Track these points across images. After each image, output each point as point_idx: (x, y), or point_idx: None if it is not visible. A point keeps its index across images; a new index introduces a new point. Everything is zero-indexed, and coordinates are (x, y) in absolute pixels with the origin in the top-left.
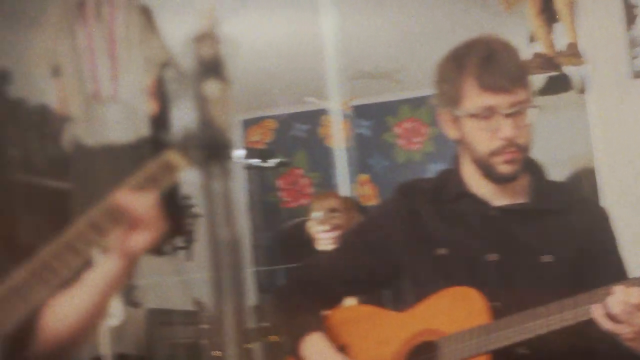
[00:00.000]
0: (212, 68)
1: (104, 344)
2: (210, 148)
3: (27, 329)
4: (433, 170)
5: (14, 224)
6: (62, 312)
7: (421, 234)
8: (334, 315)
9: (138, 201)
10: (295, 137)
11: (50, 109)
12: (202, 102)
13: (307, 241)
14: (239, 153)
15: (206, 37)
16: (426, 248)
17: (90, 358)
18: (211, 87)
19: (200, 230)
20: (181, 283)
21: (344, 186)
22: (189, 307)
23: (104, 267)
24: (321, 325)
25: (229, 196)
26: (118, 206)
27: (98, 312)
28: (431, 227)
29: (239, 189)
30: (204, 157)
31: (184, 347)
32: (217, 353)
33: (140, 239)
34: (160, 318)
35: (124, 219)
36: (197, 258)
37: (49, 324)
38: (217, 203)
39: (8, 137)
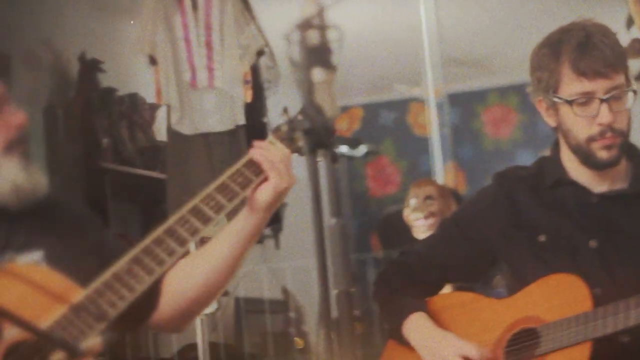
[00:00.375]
0: (319, 55)
1: (198, 332)
2: (316, 134)
3: (150, 294)
4: (521, 158)
5: (106, 212)
6: (193, 270)
7: (520, 221)
8: (434, 302)
9: (272, 152)
10: (383, 126)
11: (140, 98)
12: (308, 89)
13: (403, 229)
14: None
15: (312, 24)
16: (526, 235)
17: (184, 345)
18: (318, 74)
19: (287, 218)
20: (270, 271)
21: (434, 174)
22: (278, 295)
23: (238, 223)
24: (423, 306)
25: (334, 183)
26: (250, 157)
27: (231, 269)
28: (530, 214)
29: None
30: (310, 144)
31: (272, 335)
32: (299, 341)
33: (268, 188)
34: (249, 306)
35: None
36: (285, 246)
37: (177, 284)
38: (321, 190)
39: (99, 126)
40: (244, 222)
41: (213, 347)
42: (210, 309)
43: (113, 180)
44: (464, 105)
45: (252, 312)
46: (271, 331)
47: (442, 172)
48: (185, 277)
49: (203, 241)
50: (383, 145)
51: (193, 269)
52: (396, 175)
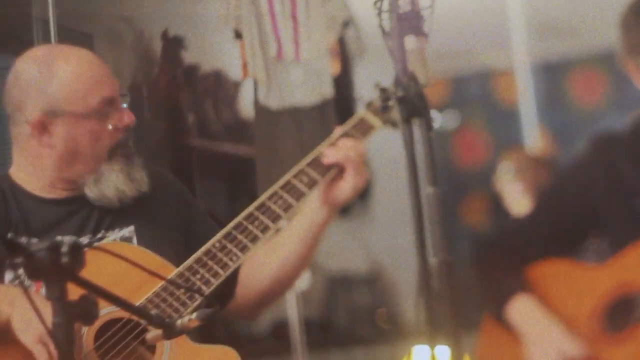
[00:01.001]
0: (410, 22)
1: (291, 308)
2: (410, 103)
3: (227, 283)
4: (611, 122)
5: (195, 190)
6: (265, 262)
7: (619, 184)
8: (532, 271)
9: (344, 147)
10: (471, 96)
11: (225, 74)
12: (401, 57)
13: (494, 199)
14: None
15: None
16: (624, 198)
17: (276, 322)
18: (410, 42)
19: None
20: (360, 246)
21: (524, 143)
22: (368, 270)
23: (309, 217)
24: (526, 286)
25: (431, 152)
26: (319, 158)
27: (303, 261)
28: (629, 176)
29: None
30: (404, 113)
31: (363, 311)
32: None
33: (346, 187)
34: (340, 282)
35: (325, 170)
36: (375, 220)
37: (250, 275)
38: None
39: (184, 103)
40: (315, 216)
41: (307, 323)
42: (303, 285)
43: (199, 157)
44: (551, 72)
45: (343, 288)
46: (363, 305)
47: (533, 140)
48: (258, 268)
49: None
50: (471, 116)
51: (265, 261)
52: (485, 146)
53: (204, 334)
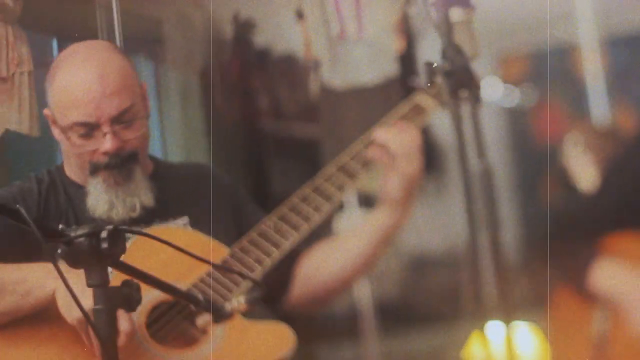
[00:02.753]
0: None
1: (362, 291)
2: (456, 76)
3: (284, 276)
4: None
5: (267, 173)
6: (324, 265)
7: None
8: (607, 244)
9: (395, 138)
10: (548, 73)
11: (296, 56)
12: (446, 30)
13: (563, 174)
14: (494, 92)
15: None
16: None
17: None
18: (456, 14)
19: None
20: (437, 224)
21: (600, 117)
22: (446, 250)
23: (376, 219)
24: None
25: (479, 127)
26: (373, 144)
27: (368, 262)
28: None
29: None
30: (451, 86)
31: (441, 292)
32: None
33: (402, 181)
34: (417, 262)
35: (377, 159)
36: (452, 197)
37: (307, 276)
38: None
39: (256, 86)
40: (381, 219)
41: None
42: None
43: (272, 140)
44: (626, 46)
45: (419, 269)
46: (440, 287)
47: (608, 115)
48: (321, 264)
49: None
50: (547, 91)
51: (329, 258)
52: (563, 121)
53: (269, 310)
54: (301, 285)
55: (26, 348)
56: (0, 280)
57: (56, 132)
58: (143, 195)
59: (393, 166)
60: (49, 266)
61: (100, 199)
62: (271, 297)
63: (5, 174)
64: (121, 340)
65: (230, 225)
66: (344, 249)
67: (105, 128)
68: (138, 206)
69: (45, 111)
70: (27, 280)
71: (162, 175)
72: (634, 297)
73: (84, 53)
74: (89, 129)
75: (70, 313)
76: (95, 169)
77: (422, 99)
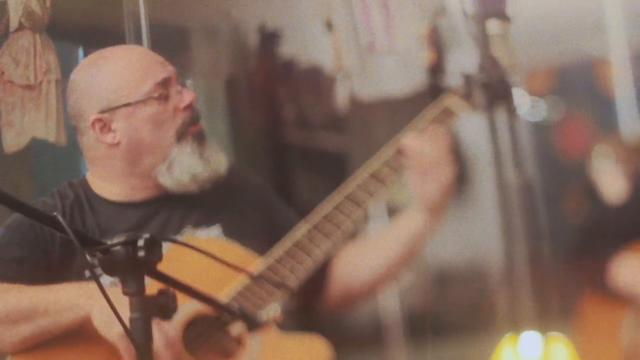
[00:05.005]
0: (493, 6)
1: (390, 303)
2: (493, 88)
3: (317, 278)
4: None
5: (292, 184)
6: (358, 264)
7: None
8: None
9: (427, 143)
10: (575, 86)
11: (322, 67)
12: (484, 41)
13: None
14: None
15: None
16: None
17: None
18: (493, 26)
19: (478, 177)
20: (464, 236)
21: (628, 132)
22: (473, 262)
23: (408, 221)
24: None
25: (515, 138)
26: (404, 150)
27: (398, 267)
28: None
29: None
30: (488, 98)
31: (468, 303)
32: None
33: (436, 186)
34: (444, 275)
35: (408, 165)
36: (479, 209)
37: (341, 275)
38: (504, 145)
39: (282, 97)
40: (416, 221)
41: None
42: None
43: (298, 151)
44: None
45: (444, 279)
46: (467, 301)
47: (631, 127)
48: (355, 264)
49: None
50: (574, 105)
51: (364, 258)
52: (589, 136)
53: (302, 322)
54: (336, 285)
55: None
56: (33, 303)
57: (101, 138)
58: (222, 152)
59: (426, 170)
60: (81, 285)
61: (190, 162)
62: (306, 298)
63: (31, 182)
64: (164, 353)
65: (264, 228)
66: (378, 249)
67: (176, 84)
68: (224, 162)
69: (97, 117)
70: (60, 301)
71: None
72: None
73: (112, 47)
74: (166, 87)
75: (110, 330)
76: (182, 129)
77: (452, 101)
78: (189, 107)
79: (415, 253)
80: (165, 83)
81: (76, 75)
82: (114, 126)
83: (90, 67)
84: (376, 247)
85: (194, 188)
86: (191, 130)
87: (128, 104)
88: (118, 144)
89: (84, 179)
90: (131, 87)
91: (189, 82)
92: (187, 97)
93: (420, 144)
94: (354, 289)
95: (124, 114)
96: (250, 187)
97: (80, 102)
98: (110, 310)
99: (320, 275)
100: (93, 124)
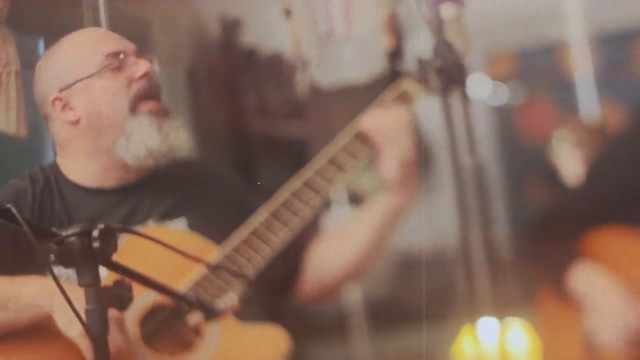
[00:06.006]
0: None
1: (351, 290)
2: (448, 72)
3: (292, 269)
4: None
5: (254, 172)
6: (330, 255)
7: None
8: (591, 240)
9: (385, 120)
10: (536, 71)
11: (283, 56)
12: (438, 26)
13: (551, 171)
14: (483, 89)
15: None
16: None
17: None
18: (447, 11)
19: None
20: (425, 222)
21: (589, 114)
22: (434, 248)
23: (376, 204)
24: (586, 254)
25: (469, 122)
26: (364, 129)
27: (371, 253)
28: None
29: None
30: (443, 82)
31: (430, 290)
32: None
33: (398, 163)
34: (405, 261)
35: (369, 145)
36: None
37: (315, 268)
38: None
39: (244, 85)
40: (383, 203)
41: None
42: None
43: (259, 139)
44: (615, 44)
45: (405, 266)
46: (431, 286)
47: (591, 110)
48: (329, 254)
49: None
50: (537, 91)
51: (337, 247)
52: (551, 119)
53: (262, 312)
54: (311, 277)
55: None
56: None
57: (62, 117)
58: (187, 132)
59: (387, 148)
60: (42, 282)
61: (146, 135)
62: (281, 290)
63: None
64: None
65: (231, 223)
66: (349, 237)
67: (133, 57)
68: (185, 139)
69: (57, 96)
70: (21, 297)
71: (163, 173)
72: (605, 303)
73: (70, 34)
74: (119, 59)
75: (70, 328)
76: (137, 100)
77: (409, 85)
78: (144, 76)
79: (387, 236)
80: (117, 55)
81: (38, 66)
82: (73, 104)
83: (48, 54)
84: (347, 235)
85: (151, 163)
86: (149, 104)
87: (81, 79)
88: (78, 120)
89: (55, 163)
90: (83, 62)
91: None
92: (143, 67)
93: (378, 121)
94: (328, 280)
95: (79, 89)
96: (220, 180)
97: (42, 88)
98: (70, 308)
99: (293, 269)
100: (53, 103)
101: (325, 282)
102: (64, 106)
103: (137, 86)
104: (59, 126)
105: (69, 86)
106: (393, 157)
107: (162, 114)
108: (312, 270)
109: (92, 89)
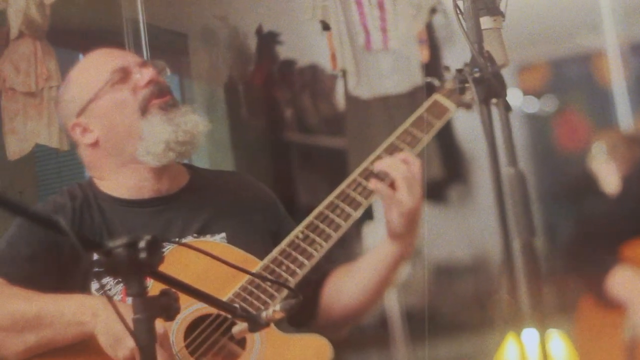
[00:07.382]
0: (486, 3)
1: (390, 300)
2: (486, 83)
3: (310, 299)
4: None
5: (291, 185)
6: (345, 287)
7: None
8: (628, 249)
9: (398, 168)
10: (570, 79)
11: (320, 67)
12: (476, 37)
13: (590, 181)
14: (516, 99)
15: None
16: None
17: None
18: (486, 23)
19: (477, 173)
20: (463, 232)
21: (624, 125)
22: (472, 257)
23: (380, 249)
24: (624, 261)
25: (509, 132)
26: (376, 175)
27: (375, 294)
28: None
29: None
30: (481, 93)
31: (469, 300)
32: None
33: (400, 214)
34: (444, 271)
35: (379, 192)
36: (478, 204)
37: (332, 298)
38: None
39: (281, 98)
40: (386, 250)
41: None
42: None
43: (298, 152)
44: None
45: (447, 277)
46: (467, 296)
47: (627, 120)
48: (339, 292)
49: None
50: (572, 100)
51: (346, 286)
52: (585, 128)
53: (302, 323)
54: (325, 311)
55: None
56: (40, 313)
57: (84, 140)
58: (195, 114)
59: (393, 198)
60: (84, 299)
61: (159, 130)
62: (300, 324)
63: (35, 188)
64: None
65: (270, 238)
66: (357, 277)
67: (137, 67)
68: (200, 121)
69: (75, 123)
70: (64, 315)
71: (199, 186)
72: None
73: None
74: (124, 72)
75: (116, 351)
76: (146, 102)
77: (441, 99)
78: (150, 83)
79: (390, 280)
80: (124, 70)
81: (57, 96)
82: (91, 126)
83: (64, 83)
84: (355, 274)
85: (173, 156)
86: (155, 102)
87: (92, 100)
88: (97, 141)
89: (90, 179)
90: (91, 83)
91: (167, 69)
92: (147, 74)
93: (388, 169)
94: (335, 314)
95: (92, 110)
96: (258, 193)
97: (62, 117)
98: (115, 329)
99: (312, 303)
100: (73, 129)
101: (333, 319)
102: (84, 130)
103: (143, 92)
104: (83, 149)
105: (83, 109)
106: (399, 209)
107: (171, 106)
108: (324, 307)
109: (101, 105)
